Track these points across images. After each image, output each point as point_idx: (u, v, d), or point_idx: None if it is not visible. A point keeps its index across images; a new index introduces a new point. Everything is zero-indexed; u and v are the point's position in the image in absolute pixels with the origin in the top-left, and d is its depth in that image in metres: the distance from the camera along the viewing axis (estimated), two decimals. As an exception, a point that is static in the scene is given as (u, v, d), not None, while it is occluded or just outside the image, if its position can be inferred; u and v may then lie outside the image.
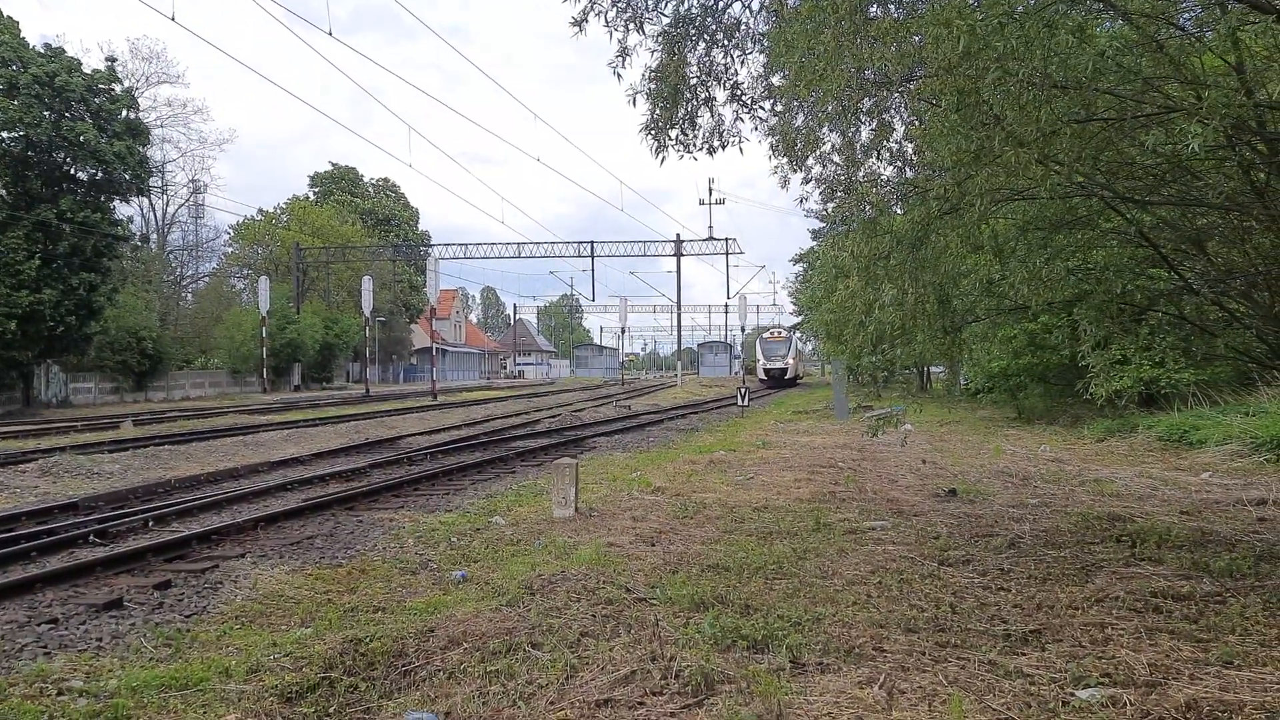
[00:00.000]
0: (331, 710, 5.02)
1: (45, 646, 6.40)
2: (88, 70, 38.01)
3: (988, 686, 4.99)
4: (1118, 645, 5.66)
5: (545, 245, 68.29)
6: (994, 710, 4.67)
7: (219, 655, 5.89)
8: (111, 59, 41.50)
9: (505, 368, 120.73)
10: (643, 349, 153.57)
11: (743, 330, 64.87)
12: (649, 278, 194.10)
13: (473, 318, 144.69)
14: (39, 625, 6.93)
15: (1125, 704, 4.69)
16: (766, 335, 66.53)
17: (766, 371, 62.44)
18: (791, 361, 63.49)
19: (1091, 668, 5.21)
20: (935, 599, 6.82)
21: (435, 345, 62.17)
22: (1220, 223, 7.54)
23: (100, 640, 6.55)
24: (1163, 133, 5.98)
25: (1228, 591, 6.85)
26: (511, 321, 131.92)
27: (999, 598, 6.88)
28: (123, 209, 44.04)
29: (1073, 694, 4.85)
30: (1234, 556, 7.87)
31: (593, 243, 65.61)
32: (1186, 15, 7.00)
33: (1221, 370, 17.96)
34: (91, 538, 10.23)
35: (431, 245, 77.75)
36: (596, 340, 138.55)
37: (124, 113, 39.19)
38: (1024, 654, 5.54)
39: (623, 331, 77.97)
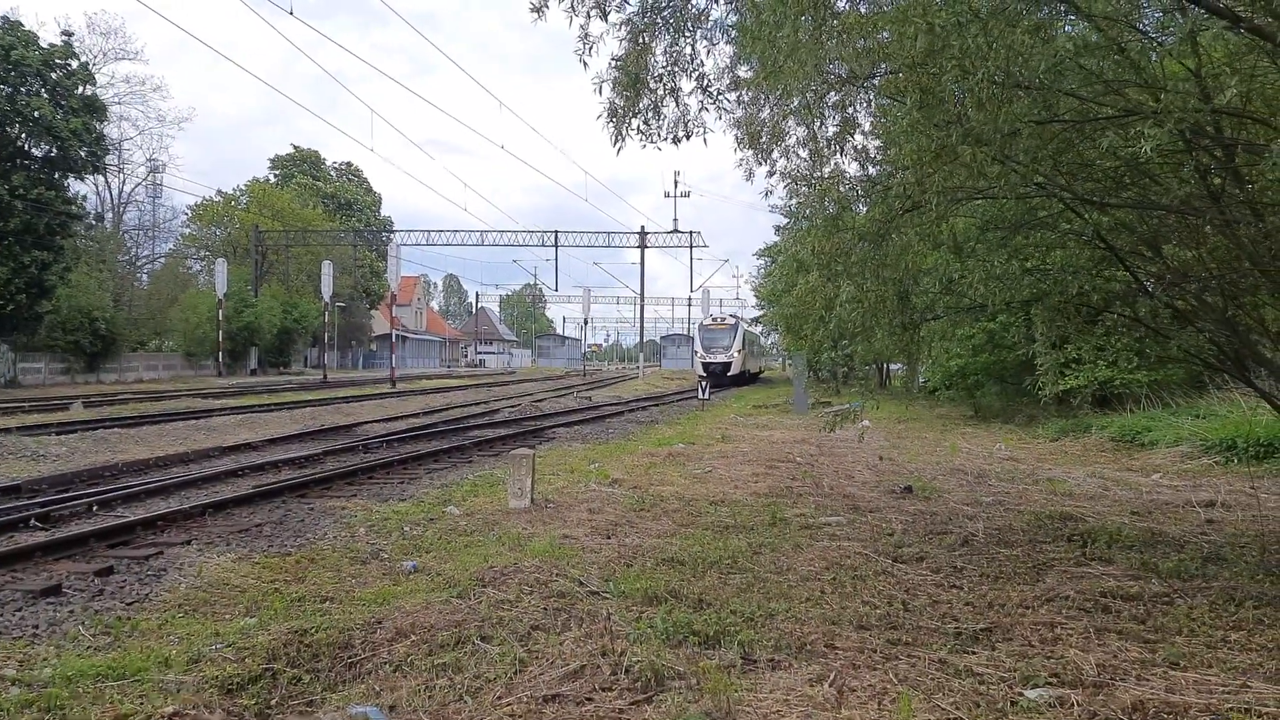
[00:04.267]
0: (274, 702, 4.92)
1: (-22, 634, 6.22)
2: (44, 44, 37.19)
3: (937, 685, 4.98)
4: (1067, 645, 5.68)
5: (509, 234, 67.83)
6: (943, 709, 4.65)
7: (159, 645, 5.74)
8: (68, 33, 40.67)
9: (466, 356, 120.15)
10: (606, 340, 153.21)
11: (706, 324, 62.12)
12: (613, 269, 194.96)
13: (434, 305, 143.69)
14: (-27, 612, 6.73)
15: (1073, 704, 4.69)
16: (707, 323, 56.40)
17: (705, 366, 50.94)
18: (736, 355, 52.89)
19: (1040, 667, 5.23)
20: (888, 596, 6.83)
21: (395, 332, 61.57)
22: (1176, 225, 7.60)
23: (37, 628, 6.37)
24: (1121, 135, 6.01)
25: (1175, 592, 6.92)
26: (473, 310, 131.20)
27: (951, 595, 6.90)
28: (78, 186, 43.27)
29: (1021, 694, 4.85)
30: (1182, 557, 7.96)
31: (557, 232, 65.35)
32: (1148, 20, 7.04)
33: (1174, 373, 18.26)
34: (33, 521, 9.99)
35: (394, 231, 77.28)
36: (559, 330, 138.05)
37: (81, 88, 38.46)
38: (974, 653, 5.55)
39: (586, 322, 77.69)
